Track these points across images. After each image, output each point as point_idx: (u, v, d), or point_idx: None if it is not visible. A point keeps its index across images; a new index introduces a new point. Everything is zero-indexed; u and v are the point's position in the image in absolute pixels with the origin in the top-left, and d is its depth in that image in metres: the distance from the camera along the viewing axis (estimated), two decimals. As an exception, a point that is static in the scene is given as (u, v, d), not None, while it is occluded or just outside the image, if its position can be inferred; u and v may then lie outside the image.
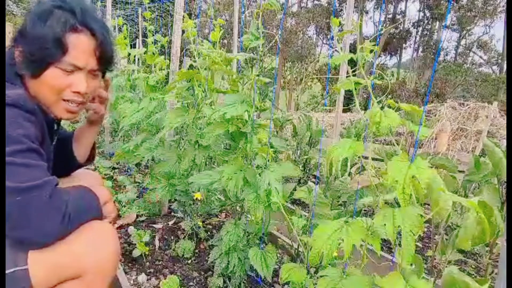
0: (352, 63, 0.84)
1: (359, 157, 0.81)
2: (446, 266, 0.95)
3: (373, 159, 0.90)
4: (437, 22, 20.94)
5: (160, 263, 1.71)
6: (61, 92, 0.93)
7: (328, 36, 19.62)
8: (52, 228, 0.80)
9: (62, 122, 1.14)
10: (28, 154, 0.80)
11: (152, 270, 1.64)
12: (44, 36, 0.87)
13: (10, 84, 0.89)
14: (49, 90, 0.92)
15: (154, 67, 2.04)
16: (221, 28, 1.42)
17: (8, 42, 0.94)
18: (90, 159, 1.28)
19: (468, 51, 22.07)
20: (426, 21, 21.85)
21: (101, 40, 0.94)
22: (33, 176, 0.78)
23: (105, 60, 0.98)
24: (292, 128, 3.76)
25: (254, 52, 1.26)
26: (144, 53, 2.06)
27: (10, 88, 0.86)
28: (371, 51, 0.81)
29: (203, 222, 2.09)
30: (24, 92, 0.89)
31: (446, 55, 22.41)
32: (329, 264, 1.00)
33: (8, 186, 0.74)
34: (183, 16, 1.55)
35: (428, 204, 0.92)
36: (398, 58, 25.18)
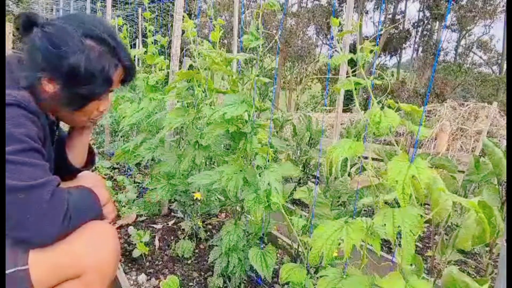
0: (352, 63, 0.84)
1: (359, 157, 0.82)
2: (446, 266, 0.95)
3: (373, 159, 0.90)
4: (437, 22, 20.92)
5: (160, 263, 1.71)
6: (91, 114, 1.02)
7: (328, 36, 19.62)
8: (53, 228, 0.80)
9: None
10: (30, 153, 0.80)
11: (152, 270, 1.64)
12: (95, 76, 0.90)
13: (15, 85, 0.89)
14: (84, 117, 1.02)
15: (154, 67, 2.04)
16: (221, 28, 1.42)
17: (8, 42, 0.95)
18: (90, 163, 1.26)
19: (468, 51, 22.07)
20: (426, 21, 21.83)
21: (129, 70, 1.03)
22: (35, 175, 0.78)
23: (126, 83, 1.08)
24: (292, 128, 3.76)
25: (254, 52, 1.26)
26: (144, 53, 2.06)
27: (15, 89, 0.86)
28: (371, 51, 0.81)
29: (203, 222, 2.09)
30: (29, 94, 0.89)
31: (446, 55, 22.42)
32: (329, 264, 1.00)
33: (9, 184, 0.75)
34: (183, 16, 1.55)
35: (428, 204, 0.92)
36: (398, 58, 25.17)
